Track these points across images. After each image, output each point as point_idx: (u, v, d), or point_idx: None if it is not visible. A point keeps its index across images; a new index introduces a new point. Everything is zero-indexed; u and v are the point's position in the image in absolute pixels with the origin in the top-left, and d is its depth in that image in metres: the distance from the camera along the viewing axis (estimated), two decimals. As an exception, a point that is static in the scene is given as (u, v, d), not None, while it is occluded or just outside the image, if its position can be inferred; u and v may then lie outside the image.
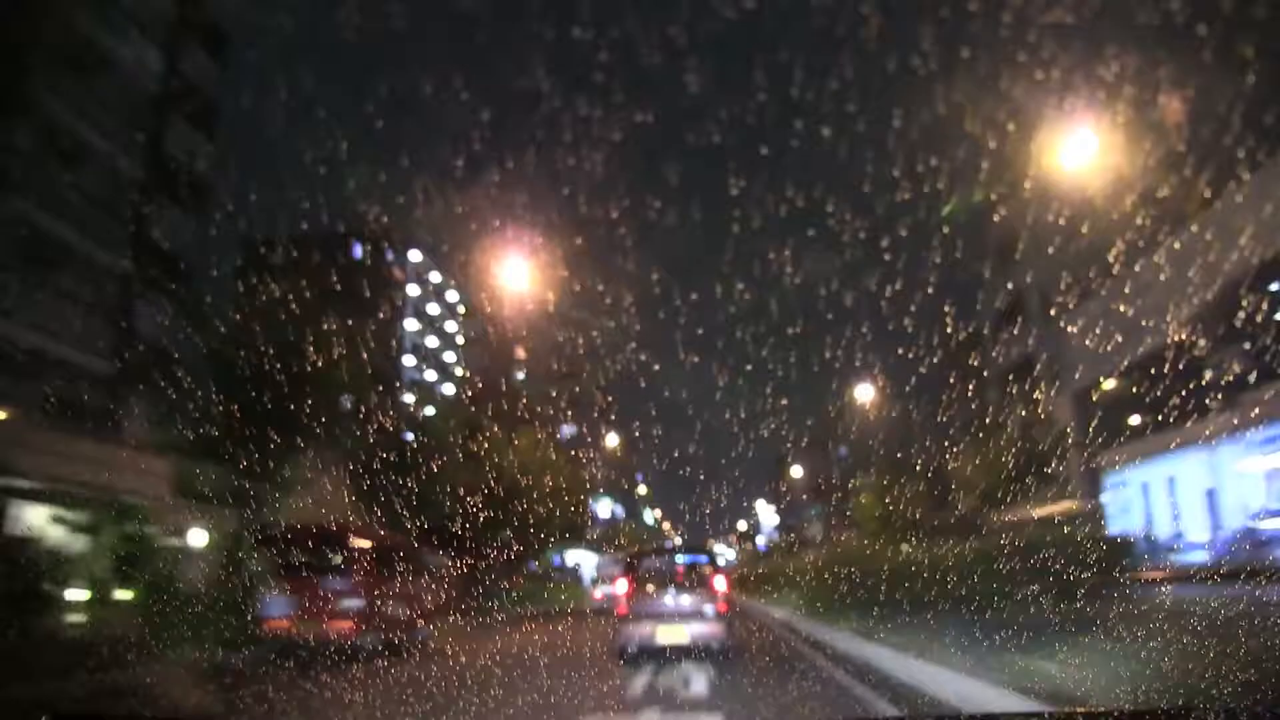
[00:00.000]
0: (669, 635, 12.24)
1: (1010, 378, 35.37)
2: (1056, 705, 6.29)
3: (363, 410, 23.62)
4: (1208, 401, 21.82)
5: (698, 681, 9.93)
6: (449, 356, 69.08)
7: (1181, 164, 20.91)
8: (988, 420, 30.94)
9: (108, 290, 25.04)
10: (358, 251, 50.89)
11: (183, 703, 8.83)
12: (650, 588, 13.25)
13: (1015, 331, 39.29)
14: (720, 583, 13.15)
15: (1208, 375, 21.98)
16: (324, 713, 8.36)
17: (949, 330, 33.58)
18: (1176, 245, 24.62)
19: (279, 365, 18.21)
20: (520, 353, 69.49)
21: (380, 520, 22.56)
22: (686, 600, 12.83)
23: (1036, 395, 32.05)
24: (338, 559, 14.05)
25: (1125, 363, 26.05)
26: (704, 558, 14.20)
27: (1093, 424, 27.33)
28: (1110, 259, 25.64)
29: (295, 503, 19.67)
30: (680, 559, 14.42)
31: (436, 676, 10.59)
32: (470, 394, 38.88)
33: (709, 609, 12.60)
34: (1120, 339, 25.65)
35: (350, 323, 22.39)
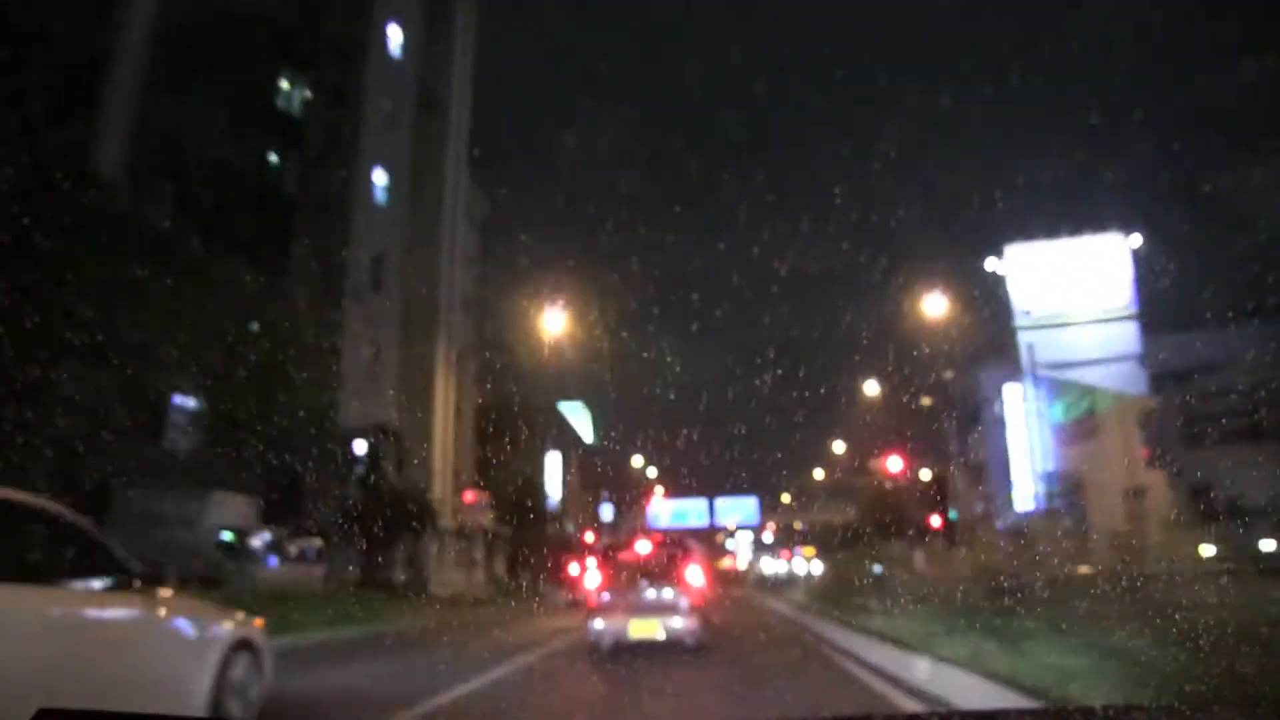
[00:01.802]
0: (641, 629, 12.41)
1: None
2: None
3: None
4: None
5: None
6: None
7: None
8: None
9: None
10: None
11: None
12: (623, 582, 13.47)
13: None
14: (693, 576, 13.57)
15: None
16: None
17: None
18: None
19: None
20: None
21: None
22: (658, 593, 13.07)
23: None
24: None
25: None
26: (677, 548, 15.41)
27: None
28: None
29: None
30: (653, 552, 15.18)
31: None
32: None
33: (683, 602, 12.84)
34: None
35: None
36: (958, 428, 61.92)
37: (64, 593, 5.71)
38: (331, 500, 32.27)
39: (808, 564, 62.82)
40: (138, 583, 6.11)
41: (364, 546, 32.40)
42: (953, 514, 49.85)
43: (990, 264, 45.52)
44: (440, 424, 39.39)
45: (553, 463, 62.91)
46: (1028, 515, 45.08)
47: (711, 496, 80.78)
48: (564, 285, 48.85)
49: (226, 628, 6.98)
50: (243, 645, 7.00)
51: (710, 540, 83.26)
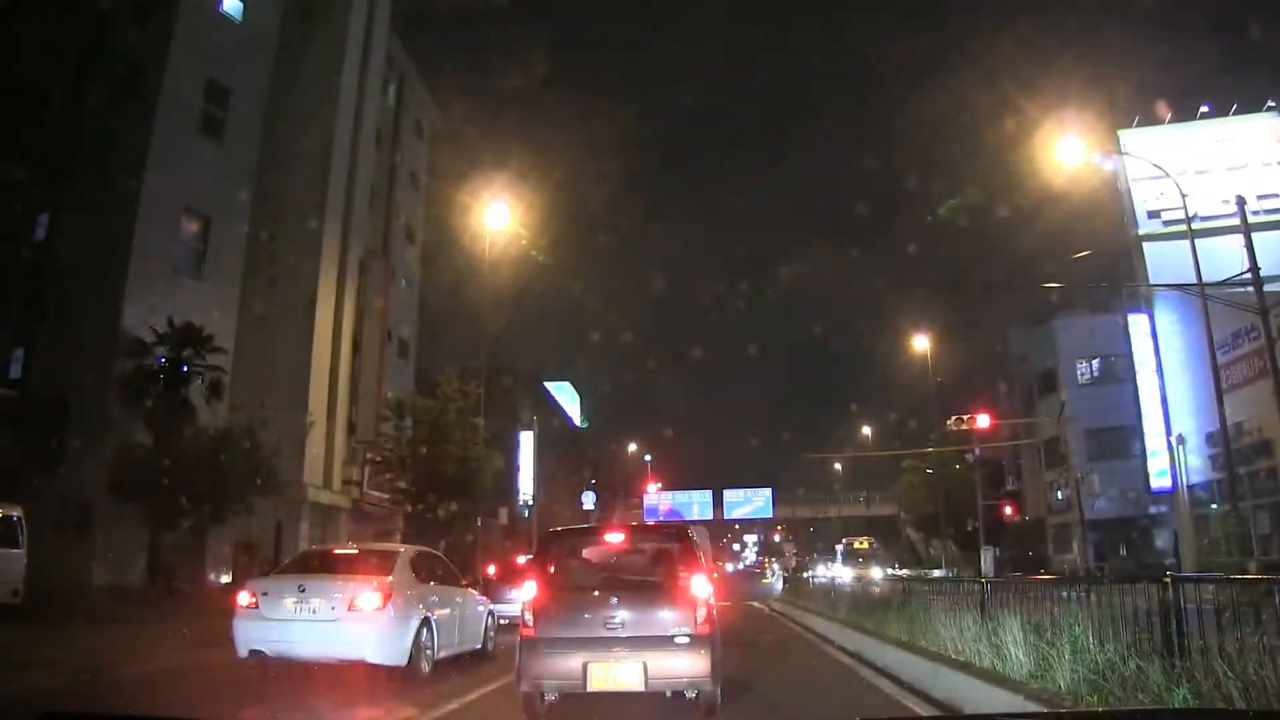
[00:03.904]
0: (609, 675, 7.58)
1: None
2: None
3: None
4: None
5: None
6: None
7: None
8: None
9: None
10: None
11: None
12: (578, 593, 8.19)
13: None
14: (699, 585, 7.95)
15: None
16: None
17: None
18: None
19: None
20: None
21: None
22: (638, 614, 7.81)
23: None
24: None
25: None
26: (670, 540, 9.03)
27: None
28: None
29: None
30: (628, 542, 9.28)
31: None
32: None
33: (681, 629, 7.67)
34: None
35: None
36: (1022, 399, 49.49)
37: None
38: (97, 446, 19.92)
39: (857, 564, 49.18)
40: None
41: (154, 529, 20.06)
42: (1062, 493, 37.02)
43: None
44: (319, 352, 27.00)
45: (525, 443, 51.56)
46: (1165, 493, 32.66)
47: (718, 488, 68.99)
48: (529, 209, 36.51)
49: None
50: None
51: (714, 539, 72.05)
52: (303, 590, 9.54)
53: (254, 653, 9.47)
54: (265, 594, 9.68)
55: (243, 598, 9.80)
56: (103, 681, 9.95)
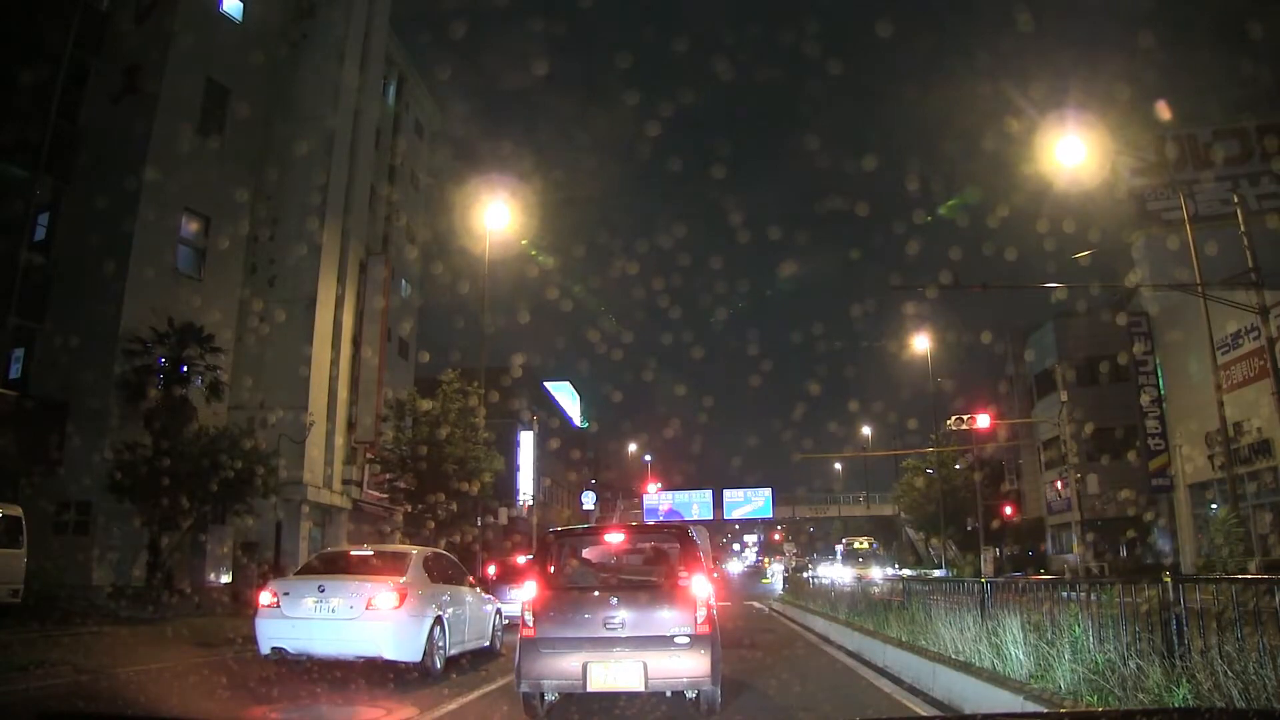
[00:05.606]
0: (609, 675, 7.51)
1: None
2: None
3: None
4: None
5: None
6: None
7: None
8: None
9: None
10: None
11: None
12: (578, 593, 8.12)
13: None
14: (699, 585, 7.89)
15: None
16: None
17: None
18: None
19: None
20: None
21: None
22: (638, 614, 7.77)
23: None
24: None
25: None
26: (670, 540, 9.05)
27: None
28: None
29: None
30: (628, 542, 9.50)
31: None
32: None
33: (681, 629, 7.62)
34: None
35: None
36: (1022, 399, 49.50)
37: None
38: (97, 446, 19.90)
39: (857, 564, 49.20)
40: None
41: (154, 528, 20.05)
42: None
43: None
44: (319, 352, 27.01)
45: (525, 443, 51.56)
46: (1163, 493, 32.71)
47: (718, 488, 69.05)
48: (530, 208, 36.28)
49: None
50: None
51: (714, 539, 72.34)
52: (322, 590, 9.77)
53: (276, 649, 9.77)
54: (286, 593, 9.92)
55: (264, 597, 10.07)
56: (103, 681, 9.96)
